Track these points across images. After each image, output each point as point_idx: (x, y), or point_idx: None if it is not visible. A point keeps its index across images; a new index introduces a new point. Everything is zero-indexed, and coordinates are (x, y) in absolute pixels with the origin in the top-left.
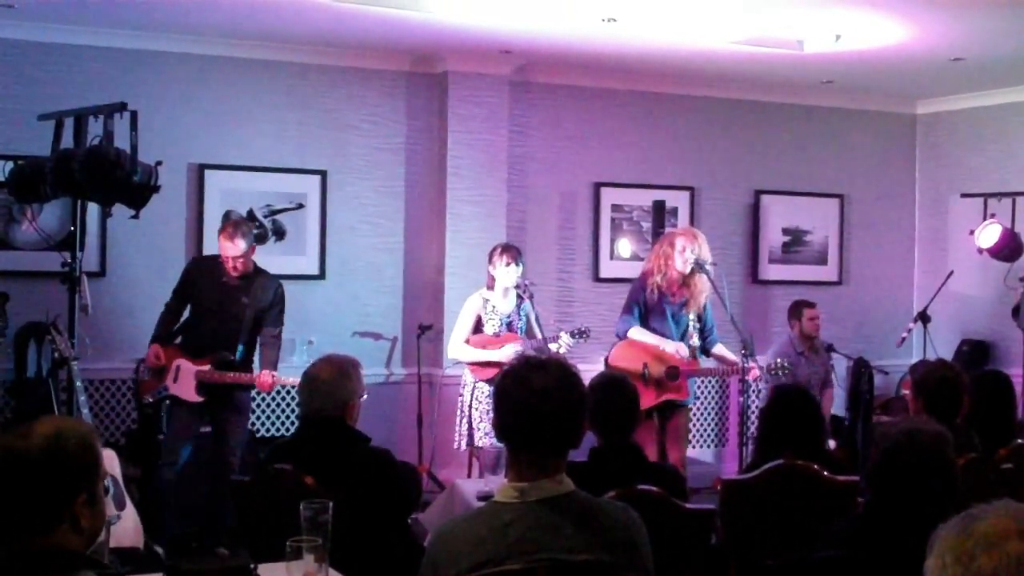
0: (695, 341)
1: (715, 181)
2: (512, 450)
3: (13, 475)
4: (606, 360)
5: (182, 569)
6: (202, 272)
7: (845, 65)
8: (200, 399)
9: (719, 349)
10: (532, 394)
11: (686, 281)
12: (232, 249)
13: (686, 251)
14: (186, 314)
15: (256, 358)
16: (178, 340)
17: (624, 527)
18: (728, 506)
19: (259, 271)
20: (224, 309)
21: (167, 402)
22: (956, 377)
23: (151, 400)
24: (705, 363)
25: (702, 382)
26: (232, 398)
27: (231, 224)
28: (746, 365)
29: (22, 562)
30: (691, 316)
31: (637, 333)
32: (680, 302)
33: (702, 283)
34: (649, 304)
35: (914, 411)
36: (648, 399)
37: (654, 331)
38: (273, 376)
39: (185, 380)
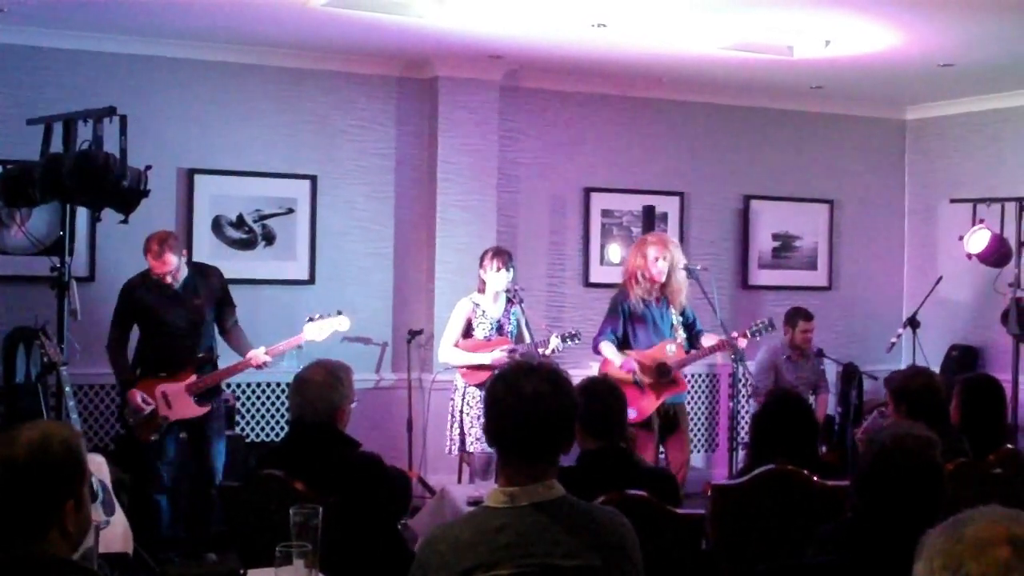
0: (681, 334)
1: (705, 186)
2: (503, 455)
3: (1, 483)
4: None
5: (171, 574)
6: (143, 292)
7: (835, 70)
8: (205, 408)
9: (705, 339)
10: (523, 399)
11: (664, 282)
12: (162, 268)
13: (659, 261)
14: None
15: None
16: (138, 368)
17: (615, 532)
18: (719, 511)
19: (193, 266)
20: (182, 318)
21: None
22: (932, 380)
23: (157, 437)
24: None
25: (694, 385)
26: (208, 404)
27: (155, 242)
28: (732, 338)
29: (12, 570)
30: (674, 313)
31: (605, 349)
32: (662, 303)
33: (678, 282)
34: (634, 313)
35: (897, 421)
36: (650, 402)
37: (638, 338)
38: (264, 351)
39: (180, 401)
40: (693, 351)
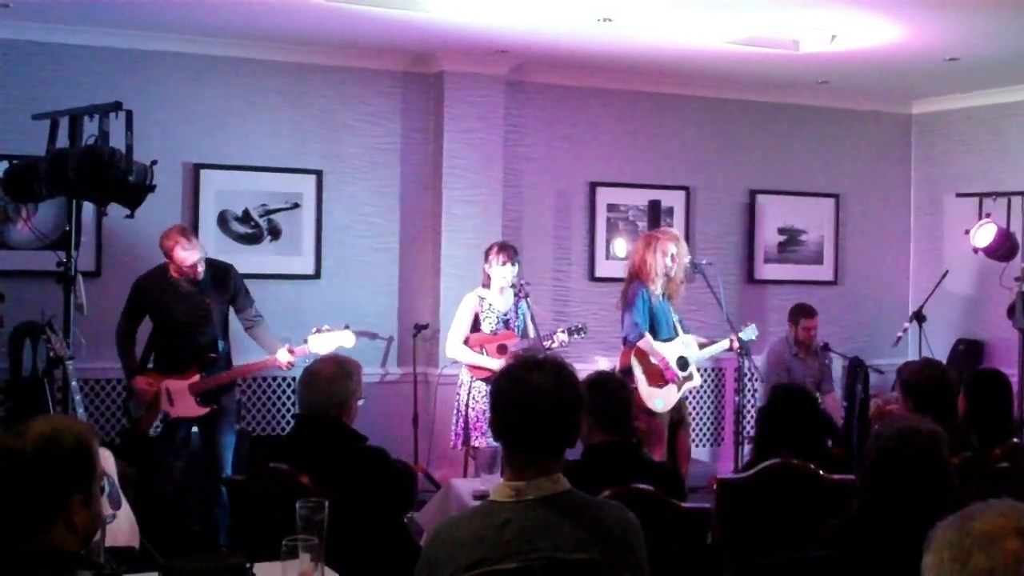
0: (681, 329)
1: (711, 181)
2: (508, 449)
3: (7, 474)
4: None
5: (177, 568)
6: (156, 290)
7: (840, 65)
8: (206, 410)
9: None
10: (529, 393)
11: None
12: (194, 256)
13: (678, 257)
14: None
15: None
16: (150, 363)
17: (620, 526)
18: (724, 505)
19: (208, 264)
20: (194, 316)
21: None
22: (943, 374)
23: (157, 432)
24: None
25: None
26: (218, 401)
27: (181, 232)
28: (739, 334)
29: (17, 562)
30: (672, 309)
31: (646, 344)
32: (665, 299)
33: (681, 278)
34: (653, 307)
35: (904, 412)
36: (674, 394)
37: (661, 333)
38: (291, 351)
39: (182, 399)
40: (702, 343)
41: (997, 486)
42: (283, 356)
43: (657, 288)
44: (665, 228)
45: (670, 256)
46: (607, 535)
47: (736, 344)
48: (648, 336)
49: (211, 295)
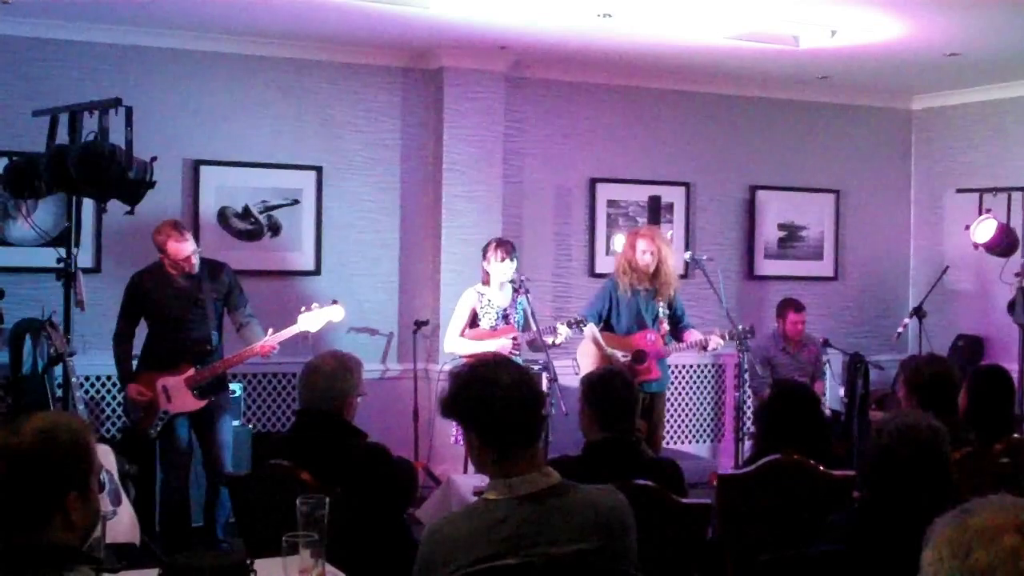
0: (665, 326)
1: (711, 176)
2: (501, 448)
3: (4, 470)
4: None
5: (178, 564)
6: (152, 286)
7: (841, 60)
8: (204, 402)
9: (688, 333)
10: (508, 388)
11: (653, 274)
12: (187, 248)
13: (646, 254)
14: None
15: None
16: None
17: (614, 511)
18: (724, 501)
19: (203, 261)
20: (189, 312)
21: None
22: (948, 371)
23: (157, 432)
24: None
25: (692, 375)
26: (215, 395)
27: (173, 226)
28: (707, 338)
29: (15, 558)
30: (661, 305)
31: (588, 330)
32: (649, 294)
33: (666, 275)
34: (621, 301)
35: (907, 407)
36: None
37: (621, 325)
38: (271, 337)
39: (179, 394)
40: (673, 343)
41: (998, 482)
42: (265, 347)
43: (630, 282)
44: (650, 226)
45: (640, 251)
46: (602, 522)
47: (718, 340)
48: (591, 327)
49: (206, 290)
